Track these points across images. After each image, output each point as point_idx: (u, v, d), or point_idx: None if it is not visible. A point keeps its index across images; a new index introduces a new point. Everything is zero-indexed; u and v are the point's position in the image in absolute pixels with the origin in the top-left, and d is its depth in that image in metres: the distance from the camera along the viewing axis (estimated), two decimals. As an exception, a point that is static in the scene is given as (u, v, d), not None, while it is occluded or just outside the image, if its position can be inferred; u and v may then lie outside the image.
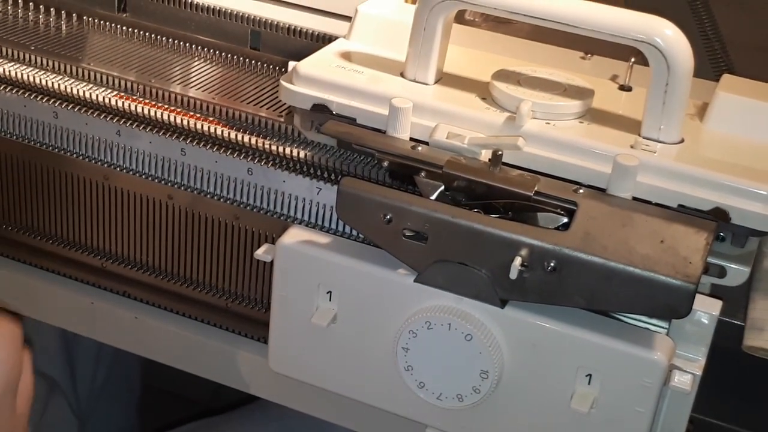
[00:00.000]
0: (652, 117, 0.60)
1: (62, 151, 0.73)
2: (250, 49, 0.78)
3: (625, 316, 0.58)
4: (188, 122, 0.69)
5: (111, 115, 0.71)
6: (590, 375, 0.56)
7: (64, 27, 0.81)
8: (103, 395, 1.05)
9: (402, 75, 0.66)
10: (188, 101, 0.70)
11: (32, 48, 0.75)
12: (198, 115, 0.70)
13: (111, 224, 0.74)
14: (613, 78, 0.69)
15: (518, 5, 0.61)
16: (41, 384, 0.98)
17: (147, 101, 0.71)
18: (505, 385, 0.58)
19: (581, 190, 0.58)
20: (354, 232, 0.65)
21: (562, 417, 0.57)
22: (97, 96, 0.71)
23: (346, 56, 0.68)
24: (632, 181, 0.57)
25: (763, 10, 0.85)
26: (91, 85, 0.72)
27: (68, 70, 0.73)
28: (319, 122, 0.65)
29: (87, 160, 0.73)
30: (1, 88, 0.73)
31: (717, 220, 0.57)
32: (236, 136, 0.68)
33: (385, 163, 0.62)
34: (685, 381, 0.56)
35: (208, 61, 0.77)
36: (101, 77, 0.72)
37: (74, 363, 1.02)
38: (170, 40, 0.79)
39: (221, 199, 0.70)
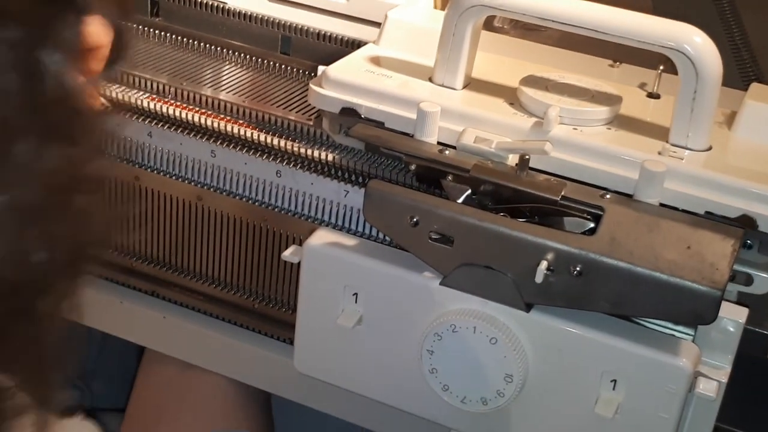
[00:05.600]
0: (679, 124, 0.60)
1: (94, 152, 0.74)
2: (280, 53, 0.78)
3: (650, 322, 0.58)
4: (218, 124, 0.70)
5: (143, 117, 0.72)
6: (615, 380, 0.56)
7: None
8: (98, 370, 1.05)
9: (430, 80, 0.66)
10: (219, 104, 0.71)
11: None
12: (228, 118, 0.71)
13: (141, 224, 0.75)
14: (642, 85, 0.69)
15: (547, 11, 0.61)
16: None
17: (178, 103, 0.72)
18: (530, 389, 0.58)
19: (608, 196, 0.58)
20: (380, 235, 0.66)
21: (587, 422, 0.57)
22: (129, 98, 0.72)
23: (375, 61, 0.68)
24: (659, 187, 0.58)
25: (794, 20, 0.84)
26: (123, 87, 0.73)
27: (102, 73, 0.74)
28: (348, 126, 0.65)
29: (118, 160, 0.74)
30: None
31: (744, 227, 0.57)
32: (265, 138, 0.68)
33: (413, 167, 0.62)
34: (711, 388, 0.56)
35: (239, 65, 0.78)
36: (133, 80, 0.73)
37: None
38: (202, 44, 0.80)
39: (250, 201, 0.70)
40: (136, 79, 0.73)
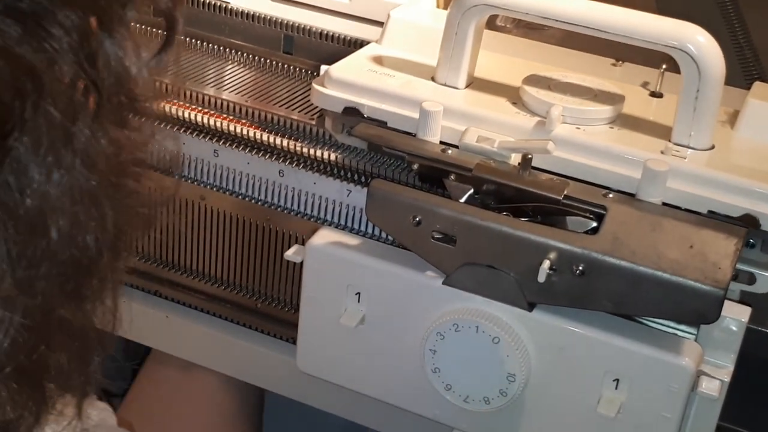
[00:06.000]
0: (682, 123, 0.60)
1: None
2: (283, 53, 0.78)
3: (653, 322, 0.58)
4: (221, 124, 0.70)
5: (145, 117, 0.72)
6: (617, 380, 0.56)
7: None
8: None
9: (433, 79, 0.66)
10: (221, 103, 0.71)
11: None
12: (231, 117, 0.71)
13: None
14: (644, 84, 0.69)
15: (550, 11, 0.61)
16: None
17: (181, 103, 0.72)
18: (532, 389, 0.58)
19: (611, 195, 0.58)
20: (383, 234, 0.66)
21: (589, 421, 0.57)
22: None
23: (378, 60, 0.68)
24: (662, 187, 0.58)
25: (797, 19, 0.84)
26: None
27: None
28: (350, 125, 0.65)
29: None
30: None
31: (747, 226, 0.57)
32: (268, 138, 0.68)
33: (415, 166, 0.62)
34: (713, 387, 0.56)
35: (242, 65, 0.78)
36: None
37: None
38: (204, 43, 0.80)
39: (253, 201, 0.71)
40: (139, 79, 0.73)
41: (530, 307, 0.57)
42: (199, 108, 0.71)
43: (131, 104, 0.38)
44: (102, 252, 0.37)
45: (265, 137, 0.69)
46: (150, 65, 0.39)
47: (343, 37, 0.76)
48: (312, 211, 0.69)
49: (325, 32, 0.76)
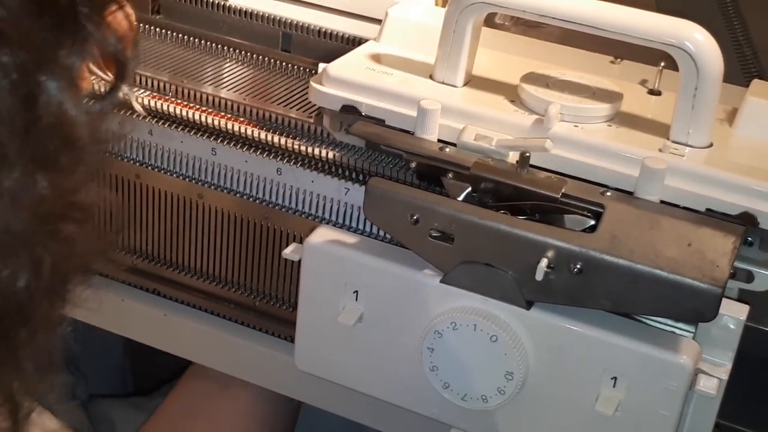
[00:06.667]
0: (680, 121, 0.60)
1: (95, 150, 0.74)
2: (281, 51, 0.78)
3: (650, 320, 0.58)
4: (219, 122, 0.70)
5: (143, 115, 0.72)
6: (615, 378, 0.56)
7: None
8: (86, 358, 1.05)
9: (431, 77, 0.66)
10: (219, 102, 0.71)
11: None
12: (229, 116, 0.71)
13: (142, 222, 0.75)
14: (643, 82, 0.69)
15: (548, 8, 0.61)
16: None
17: (179, 101, 0.72)
18: (530, 387, 0.58)
19: (608, 193, 0.58)
20: (381, 233, 0.66)
21: (587, 420, 0.57)
22: (130, 96, 0.72)
23: (376, 58, 0.68)
24: (660, 185, 0.57)
25: (796, 17, 0.84)
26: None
27: (102, 70, 0.74)
28: (348, 123, 0.65)
29: (119, 158, 0.74)
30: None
31: (745, 224, 0.56)
32: (266, 136, 0.68)
33: (413, 164, 0.62)
34: (711, 385, 0.55)
35: (240, 63, 0.78)
36: (134, 78, 0.73)
37: None
38: (202, 41, 0.80)
39: (251, 199, 0.70)
40: (137, 77, 0.73)
41: (528, 305, 0.57)
42: (197, 106, 0.71)
43: (69, 148, 0.36)
44: (34, 298, 0.35)
45: (263, 135, 0.69)
46: (93, 109, 0.37)
47: (341, 34, 0.76)
48: (310, 209, 0.69)
49: (324, 30, 0.76)
